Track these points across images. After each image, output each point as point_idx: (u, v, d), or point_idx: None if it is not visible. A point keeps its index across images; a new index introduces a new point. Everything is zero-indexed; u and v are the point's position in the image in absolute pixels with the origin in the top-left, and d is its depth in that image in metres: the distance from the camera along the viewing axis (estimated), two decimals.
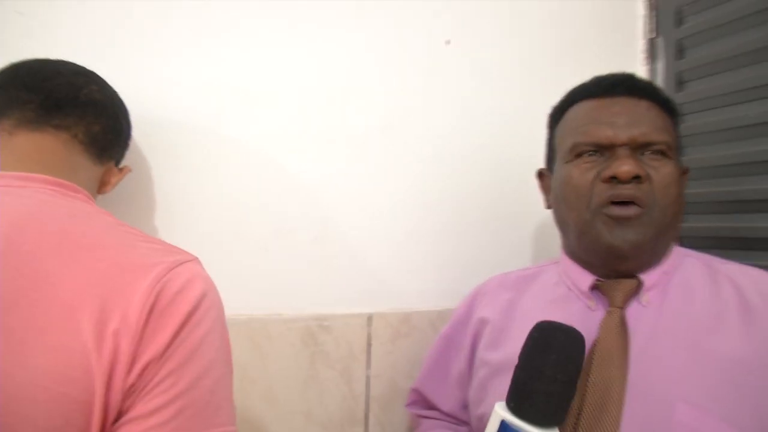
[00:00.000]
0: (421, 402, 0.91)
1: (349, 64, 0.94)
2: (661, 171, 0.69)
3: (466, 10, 1.01)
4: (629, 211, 0.68)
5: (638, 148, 0.70)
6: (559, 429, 0.55)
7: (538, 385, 0.55)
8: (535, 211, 0.98)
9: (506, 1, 1.06)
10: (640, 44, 1.18)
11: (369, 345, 0.92)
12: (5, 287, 0.43)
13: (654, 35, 1.16)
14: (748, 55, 0.97)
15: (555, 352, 0.55)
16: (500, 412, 0.56)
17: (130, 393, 0.44)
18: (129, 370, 0.43)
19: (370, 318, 0.93)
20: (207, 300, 0.49)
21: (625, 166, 0.67)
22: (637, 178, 0.68)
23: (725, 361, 0.64)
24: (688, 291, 0.71)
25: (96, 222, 0.52)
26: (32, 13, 0.75)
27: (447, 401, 0.86)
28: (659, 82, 1.14)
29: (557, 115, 0.81)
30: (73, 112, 0.60)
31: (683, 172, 0.76)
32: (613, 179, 0.68)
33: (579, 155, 0.73)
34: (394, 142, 0.96)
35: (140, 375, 0.44)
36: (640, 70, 1.17)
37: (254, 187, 0.89)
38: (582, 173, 0.71)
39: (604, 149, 0.71)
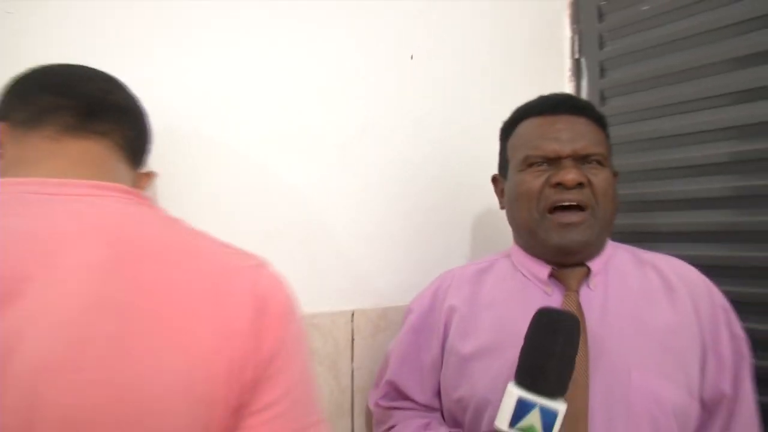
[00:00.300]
0: (394, 393, 0.95)
1: (329, 70, 0.99)
2: (599, 177, 0.82)
3: (427, 32, 1.11)
4: (574, 217, 0.81)
5: (580, 159, 0.82)
6: (564, 399, 0.66)
7: (550, 363, 0.65)
8: (493, 212, 1.09)
9: (458, 27, 1.17)
10: (567, 64, 1.35)
11: (352, 340, 0.98)
12: (123, 294, 0.44)
13: (578, 56, 1.33)
14: (659, 78, 1.16)
15: (562, 334, 0.66)
16: (515, 391, 0.66)
17: (248, 389, 0.47)
18: (244, 368, 0.46)
19: (352, 315, 0.98)
20: (292, 299, 0.53)
21: (570, 175, 0.79)
22: (580, 185, 0.80)
23: (659, 331, 0.79)
24: (622, 276, 0.85)
25: (179, 228, 0.54)
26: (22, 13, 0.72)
27: (422, 391, 0.92)
28: (583, 97, 1.31)
29: (508, 129, 0.93)
30: (110, 117, 0.60)
31: (615, 175, 0.90)
32: (560, 185, 0.80)
33: (530, 165, 0.84)
34: (370, 148, 1.03)
35: (255, 372, 0.47)
36: (567, 87, 1.34)
37: (243, 190, 0.91)
38: (533, 179, 0.83)
39: (551, 161, 0.83)
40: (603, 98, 1.28)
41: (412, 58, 1.07)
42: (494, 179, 0.97)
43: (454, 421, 0.87)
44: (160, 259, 0.48)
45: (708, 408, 0.78)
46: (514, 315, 0.82)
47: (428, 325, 0.92)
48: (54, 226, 0.47)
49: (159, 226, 0.53)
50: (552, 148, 0.82)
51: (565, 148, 0.82)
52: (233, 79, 0.91)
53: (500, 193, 0.94)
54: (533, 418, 0.64)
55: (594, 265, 0.84)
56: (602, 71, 1.29)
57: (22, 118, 0.57)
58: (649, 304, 0.81)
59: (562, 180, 0.79)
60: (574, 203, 0.81)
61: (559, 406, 0.64)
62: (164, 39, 0.85)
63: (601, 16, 1.29)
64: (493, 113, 1.18)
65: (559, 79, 1.34)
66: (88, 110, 0.58)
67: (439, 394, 0.91)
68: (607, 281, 0.84)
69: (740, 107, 1.05)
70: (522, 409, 0.65)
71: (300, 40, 0.97)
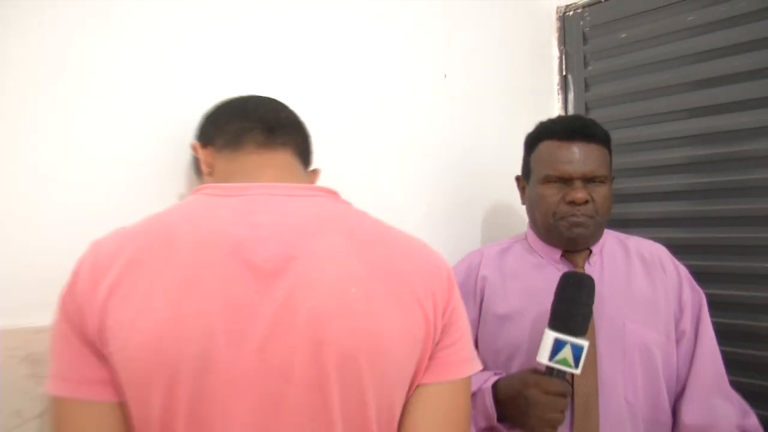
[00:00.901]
0: None
1: (381, 91, 1.19)
2: (600, 193, 1.05)
3: (456, 56, 1.33)
4: (581, 219, 1.04)
5: (588, 180, 1.04)
6: (586, 337, 0.90)
7: (577, 310, 0.90)
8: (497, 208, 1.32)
9: (477, 51, 1.38)
10: (556, 79, 1.60)
11: None
12: (364, 269, 0.63)
13: (566, 73, 1.59)
14: (635, 93, 1.44)
15: (585, 288, 0.91)
16: (552, 333, 0.89)
17: (440, 332, 0.66)
18: (439, 318, 0.66)
19: None
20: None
21: (579, 194, 1.02)
22: (586, 202, 1.03)
23: (640, 295, 1.05)
24: (612, 255, 1.11)
25: (371, 218, 0.71)
26: None
27: None
28: (571, 109, 1.57)
29: (532, 144, 1.12)
30: (285, 131, 0.76)
31: (612, 178, 1.13)
32: (572, 203, 1.03)
33: (548, 181, 1.06)
34: (408, 153, 1.24)
35: (443, 320, 0.67)
36: (556, 99, 1.59)
37: None
38: (551, 195, 1.05)
39: (565, 180, 1.04)
40: (587, 109, 1.54)
41: (445, 77, 1.29)
42: (518, 179, 1.19)
43: (486, 368, 1.10)
44: (379, 243, 0.67)
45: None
46: (535, 284, 1.07)
47: (465, 293, 1.14)
48: (298, 220, 0.66)
49: (362, 217, 0.71)
50: (567, 170, 1.03)
51: (577, 171, 1.03)
52: (244, 75, 1.00)
53: (522, 190, 1.17)
54: (566, 353, 0.88)
55: (594, 248, 1.10)
56: (587, 86, 1.55)
57: (222, 142, 0.75)
58: (632, 276, 1.07)
59: (573, 199, 1.02)
60: (581, 214, 1.04)
61: (584, 342, 0.88)
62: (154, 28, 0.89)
63: (585, 39, 1.55)
64: (501, 120, 1.43)
65: (549, 92, 1.59)
66: (269, 128, 0.75)
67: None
68: (602, 260, 1.09)
69: (699, 120, 1.33)
70: (557, 346, 0.88)
71: (357, 70, 1.15)
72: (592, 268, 1.08)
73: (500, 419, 0.97)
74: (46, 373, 0.68)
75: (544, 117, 1.58)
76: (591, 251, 1.09)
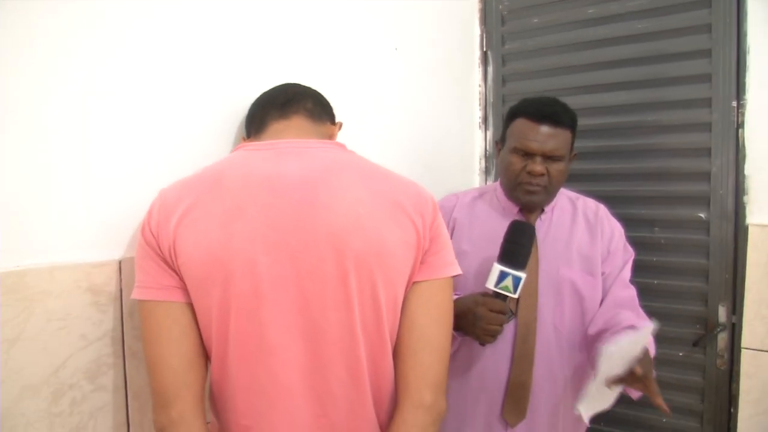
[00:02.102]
0: None
1: (330, 59, 1.33)
2: (556, 168, 1.25)
3: (401, 31, 1.49)
4: (535, 189, 1.26)
5: (547, 156, 1.24)
6: (525, 271, 1.14)
7: (519, 250, 1.15)
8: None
9: (415, 28, 1.57)
10: (477, 54, 1.84)
11: None
12: (373, 197, 0.82)
13: (486, 50, 1.83)
14: (545, 71, 1.72)
15: (526, 234, 1.16)
16: (498, 266, 1.13)
17: (428, 241, 0.87)
18: (426, 231, 0.86)
19: None
20: None
21: (537, 168, 1.24)
22: (542, 174, 1.25)
23: (578, 247, 1.31)
24: (561, 213, 1.36)
25: (371, 162, 0.90)
26: None
27: None
28: (490, 81, 1.82)
29: (511, 116, 1.31)
30: (294, 101, 0.95)
31: (573, 155, 1.31)
32: (530, 173, 1.25)
33: (516, 151, 1.27)
34: (366, 124, 1.41)
35: (431, 233, 0.87)
36: (477, 72, 1.83)
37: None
38: (516, 163, 1.27)
39: (529, 154, 1.25)
40: (504, 82, 1.80)
41: (396, 49, 1.46)
42: (496, 143, 1.41)
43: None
44: (380, 179, 0.86)
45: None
46: (494, 229, 1.28)
47: None
48: (316, 163, 0.84)
49: (365, 161, 0.90)
50: (531, 147, 1.24)
51: (539, 149, 1.24)
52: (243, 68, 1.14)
53: (498, 152, 1.38)
54: (508, 281, 1.13)
55: (546, 208, 1.34)
56: (504, 62, 1.81)
57: (255, 129, 0.98)
58: (574, 231, 1.33)
59: (531, 170, 1.24)
60: (536, 185, 1.27)
61: (522, 275, 1.13)
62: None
63: (503, 21, 1.79)
64: (432, 86, 1.64)
65: (472, 65, 1.83)
66: (281, 104, 0.95)
67: None
68: (552, 217, 1.34)
69: (593, 96, 1.65)
70: (502, 276, 1.13)
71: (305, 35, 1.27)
72: (542, 223, 1.34)
73: (455, 328, 1.16)
74: (106, 301, 0.89)
75: (468, 86, 1.85)
76: (543, 210, 1.35)
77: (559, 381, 1.28)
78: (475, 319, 1.14)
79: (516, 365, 1.26)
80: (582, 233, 1.33)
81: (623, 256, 1.33)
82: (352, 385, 0.82)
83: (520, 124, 1.28)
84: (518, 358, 1.26)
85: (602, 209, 1.38)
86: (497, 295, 1.14)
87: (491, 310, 1.13)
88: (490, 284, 1.13)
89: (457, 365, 1.30)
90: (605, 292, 1.30)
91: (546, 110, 1.26)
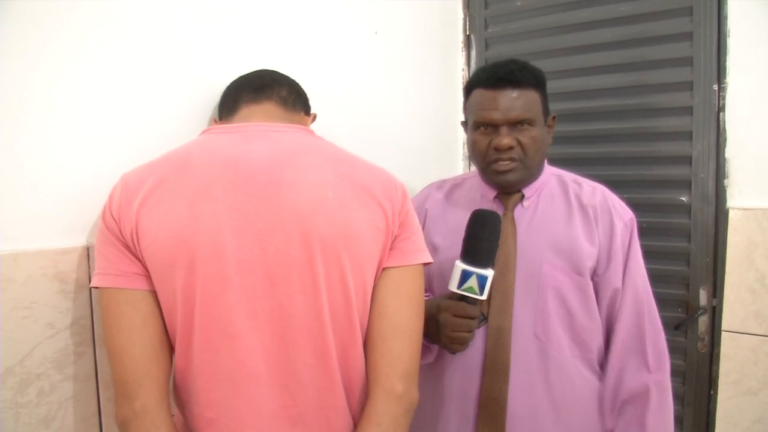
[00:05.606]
0: None
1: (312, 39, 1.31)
2: (528, 135, 1.07)
3: (385, 13, 1.47)
4: (507, 166, 1.09)
5: (514, 124, 1.07)
6: (492, 268, 0.99)
7: (480, 245, 0.98)
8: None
9: (397, 12, 1.54)
10: (461, 38, 1.82)
11: None
12: (338, 179, 0.81)
13: (469, 33, 1.81)
14: (528, 54, 1.69)
15: (488, 225, 0.99)
16: (460, 265, 0.98)
17: (397, 227, 0.85)
18: (396, 216, 0.85)
19: None
20: None
21: (504, 140, 1.06)
22: (511, 147, 1.07)
23: (566, 240, 1.09)
24: (550, 198, 1.15)
25: (338, 148, 0.89)
26: None
27: None
28: (473, 65, 1.80)
29: (467, 92, 1.17)
30: (268, 88, 0.93)
31: (552, 119, 1.15)
32: (496, 148, 1.08)
33: (478, 127, 1.11)
34: (347, 104, 1.39)
35: (400, 219, 0.86)
36: (461, 56, 1.82)
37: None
38: (481, 140, 1.10)
39: (493, 126, 1.08)
40: None
41: (376, 33, 1.44)
42: (463, 124, 1.24)
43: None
44: (347, 162, 0.85)
45: (597, 288, 1.11)
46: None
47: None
48: (283, 146, 0.83)
49: (332, 146, 0.89)
50: (492, 117, 1.07)
51: (501, 118, 1.07)
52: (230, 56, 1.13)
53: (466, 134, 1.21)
54: (472, 282, 0.97)
55: (527, 191, 1.15)
56: (486, 46, 1.79)
57: (227, 111, 0.96)
58: (564, 221, 1.13)
59: (497, 145, 1.07)
60: (507, 159, 1.10)
61: (488, 273, 0.97)
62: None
63: (486, 5, 1.77)
64: (415, 70, 1.62)
65: (455, 48, 1.81)
66: (255, 88, 0.93)
67: None
68: (537, 202, 1.15)
69: (574, 79, 1.63)
70: (465, 276, 0.97)
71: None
72: (524, 211, 1.15)
73: (424, 335, 1.00)
74: (73, 288, 0.87)
75: (451, 70, 1.79)
76: (523, 194, 1.15)
77: (542, 398, 1.09)
78: (439, 327, 1.02)
79: (487, 377, 1.09)
80: (573, 224, 1.12)
81: (634, 257, 1.13)
82: (321, 372, 0.81)
83: (476, 95, 1.12)
84: (490, 370, 1.08)
85: (603, 197, 1.16)
86: (463, 297, 0.99)
87: (456, 315, 1.00)
88: (453, 286, 0.99)
89: (428, 376, 1.14)
90: (609, 306, 1.12)
91: (500, 72, 1.09)
